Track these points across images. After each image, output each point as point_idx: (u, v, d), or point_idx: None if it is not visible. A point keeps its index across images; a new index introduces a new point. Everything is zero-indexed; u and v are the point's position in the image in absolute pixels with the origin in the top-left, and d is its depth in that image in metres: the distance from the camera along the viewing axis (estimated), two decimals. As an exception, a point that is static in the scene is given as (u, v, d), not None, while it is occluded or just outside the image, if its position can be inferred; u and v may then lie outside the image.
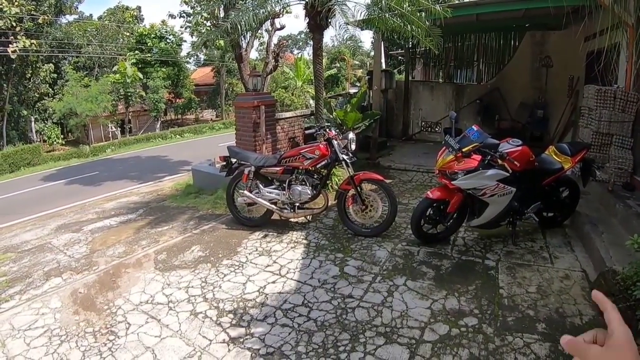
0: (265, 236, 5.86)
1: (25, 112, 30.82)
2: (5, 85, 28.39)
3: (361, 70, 36.40)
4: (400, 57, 22.52)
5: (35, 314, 4.38)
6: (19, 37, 25.70)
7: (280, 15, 13.22)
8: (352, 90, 15.25)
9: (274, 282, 4.61)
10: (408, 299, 4.14)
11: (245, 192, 6.01)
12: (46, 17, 27.75)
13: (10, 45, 25.04)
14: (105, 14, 40.44)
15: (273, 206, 5.96)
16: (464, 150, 4.72)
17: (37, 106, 32.08)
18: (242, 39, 11.35)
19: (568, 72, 10.03)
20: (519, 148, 4.83)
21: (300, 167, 5.77)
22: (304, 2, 7.50)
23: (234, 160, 6.24)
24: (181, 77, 37.53)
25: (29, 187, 17.01)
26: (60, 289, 4.85)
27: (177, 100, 38.82)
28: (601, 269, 4.10)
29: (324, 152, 5.67)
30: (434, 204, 5.08)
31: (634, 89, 6.07)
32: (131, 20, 39.56)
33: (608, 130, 6.24)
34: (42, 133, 32.25)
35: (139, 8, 42.36)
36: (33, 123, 32.05)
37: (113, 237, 6.55)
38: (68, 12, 33.82)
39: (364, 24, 7.97)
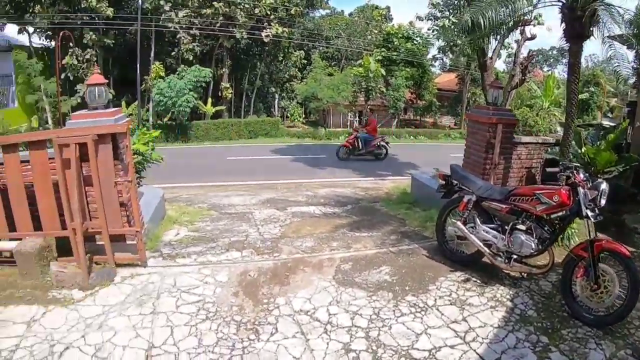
0: (467, 281, 4.89)
1: (273, 89, 35.03)
2: (258, 64, 32.60)
3: (615, 99, 31.21)
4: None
5: (200, 279, 4.49)
6: (272, 24, 29.40)
7: (531, 24, 11.78)
8: (605, 122, 12.79)
9: (452, 346, 3.69)
10: None
11: (459, 223, 5.12)
12: (297, 9, 31.06)
13: (264, 31, 28.97)
14: (355, 11, 42.85)
15: (486, 249, 4.92)
16: None
17: (285, 86, 36.32)
18: (486, 42, 10.21)
19: None
20: None
21: (531, 212, 4.60)
22: (560, 2, 6.30)
23: (455, 182, 5.41)
24: (424, 80, 37.35)
25: (259, 155, 18.74)
26: (234, 265, 4.90)
27: (418, 101, 38.87)
28: None
29: (564, 200, 4.36)
30: None
31: None
32: (380, 19, 41.29)
33: None
34: (287, 110, 36.22)
35: (388, 8, 44.20)
36: (277, 100, 36.16)
37: (309, 228, 6.44)
38: (319, 6, 36.96)
39: (634, 39, 6.40)
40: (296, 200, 8.23)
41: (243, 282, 4.55)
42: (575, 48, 6.49)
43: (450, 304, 4.39)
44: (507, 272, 5.06)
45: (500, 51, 27.49)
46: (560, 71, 53.41)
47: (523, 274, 5.05)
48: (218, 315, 3.89)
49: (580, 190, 4.33)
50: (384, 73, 32.76)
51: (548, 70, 52.89)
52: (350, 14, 44.56)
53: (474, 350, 3.66)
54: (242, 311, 3.99)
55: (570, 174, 4.50)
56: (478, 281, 4.90)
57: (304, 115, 35.59)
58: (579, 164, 5.40)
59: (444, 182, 5.54)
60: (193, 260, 5.01)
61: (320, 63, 32.65)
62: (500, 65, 41.66)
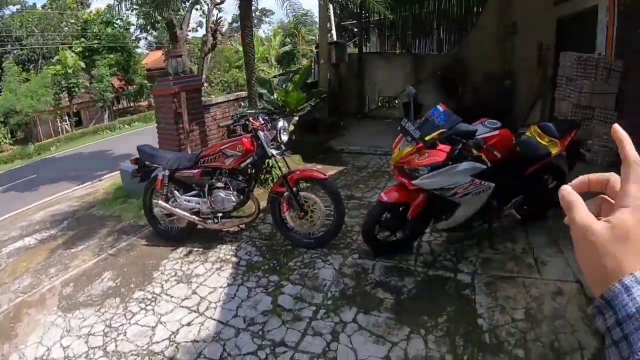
0: (189, 253, 4.84)
1: (-38, 114, 28.83)
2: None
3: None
4: (355, 29, 21.51)
5: None
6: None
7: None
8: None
9: (189, 323, 3.63)
10: (358, 343, 3.15)
11: (160, 201, 4.97)
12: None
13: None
14: (48, 2, 37.96)
15: (195, 217, 4.90)
16: (426, 138, 3.64)
17: (-21, 106, 30.02)
18: (169, 11, 10.04)
19: (536, 39, 9.10)
20: (497, 132, 3.78)
21: (222, 167, 4.69)
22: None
23: (146, 162, 5.18)
24: (132, 63, 35.57)
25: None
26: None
27: (129, 87, 36.89)
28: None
29: (248, 147, 4.55)
30: (391, 207, 4.07)
31: (615, 57, 5.34)
32: (75, 7, 37.18)
33: (589, 103, 5.48)
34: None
35: (84, -7, 40.00)
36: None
37: (24, 264, 5.58)
38: (5, 3, 31.72)
39: None
40: (11, 237, 7.07)
41: (-30, 358, 3.80)
42: (244, 4, 6.73)
43: (178, 283, 4.29)
44: (226, 230, 5.18)
45: (203, 20, 28.12)
46: (265, 30, 57.14)
47: (240, 226, 5.23)
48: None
49: (261, 133, 4.57)
50: (84, 65, 30.20)
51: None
52: (44, 6, 38.96)
53: (211, 318, 3.66)
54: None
55: (247, 122, 4.71)
56: (201, 249, 4.91)
57: (10, 135, 30.18)
58: (254, 111, 5.72)
59: (137, 166, 5.28)
60: None
61: (14, 69, 28.02)
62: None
